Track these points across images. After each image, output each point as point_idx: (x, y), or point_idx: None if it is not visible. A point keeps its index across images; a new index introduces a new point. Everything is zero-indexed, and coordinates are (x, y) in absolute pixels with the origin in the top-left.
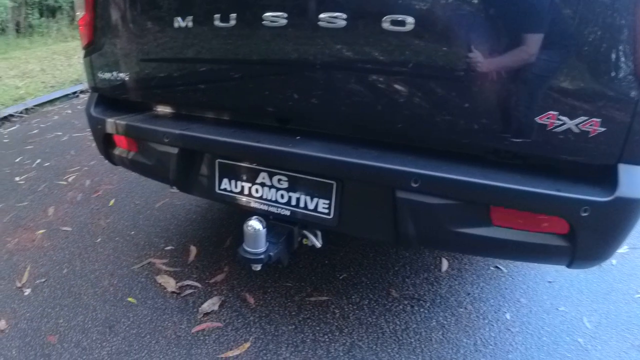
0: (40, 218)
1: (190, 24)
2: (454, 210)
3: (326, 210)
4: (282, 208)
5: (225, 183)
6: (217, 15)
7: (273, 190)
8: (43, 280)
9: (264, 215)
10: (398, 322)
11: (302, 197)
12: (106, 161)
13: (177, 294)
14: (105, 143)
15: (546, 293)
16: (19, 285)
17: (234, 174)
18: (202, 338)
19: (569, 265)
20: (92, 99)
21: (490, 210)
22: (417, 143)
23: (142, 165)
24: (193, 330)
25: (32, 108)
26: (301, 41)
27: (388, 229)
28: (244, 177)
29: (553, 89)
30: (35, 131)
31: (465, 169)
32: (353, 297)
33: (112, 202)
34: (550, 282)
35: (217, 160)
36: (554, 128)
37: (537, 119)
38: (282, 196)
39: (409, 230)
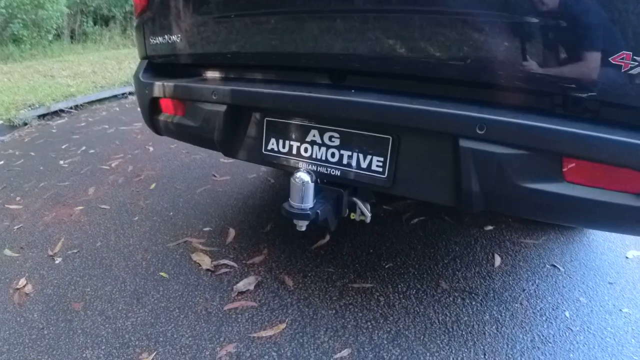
0: (80, 196)
1: None
2: (523, 161)
3: (380, 169)
4: (333, 168)
5: (272, 143)
6: None
7: (323, 148)
8: (75, 251)
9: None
10: (448, 314)
11: (355, 155)
12: (150, 149)
13: (211, 272)
14: (152, 109)
15: (607, 294)
16: (50, 253)
17: (282, 133)
18: (234, 316)
19: None
20: (141, 66)
21: (563, 162)
22: (480, 94)
23: (188, 128)
24: (225, 308)
25: (81, 105)
26: None
27: (449, 186)
28: (293, 136)
29: (624, 24)
30: (82, 124)
31: (534, 117)
32: (399, 286)
33: (153, 185)
34: (611, 283)
35: (266, 119)
36: (630, 70)
37: (611, 60)
38: (332, 155)
39: (472, 186)
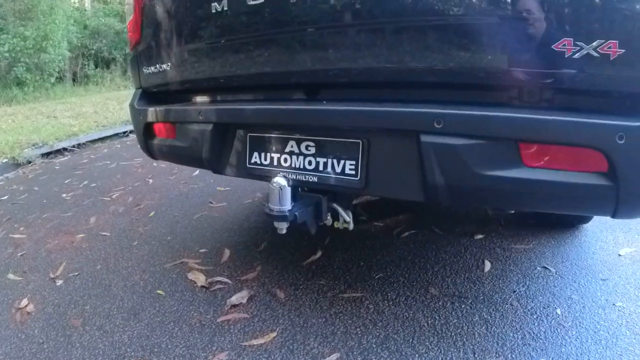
0: (81, 225)
1: (224, 7)
2: (482, 150)
3: (353, 172)
4: (310, 175)
5: (255, 157)
6: None
7: (301, 157)
8: (76, 273)
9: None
10: (437, 317)
11: (329, 161)
12: (150, 181)
13: (206, 288)
14: (146, 134)
15: (600, 290)
16: (52, 276)
17: (263, 146)
18: (226, 327)
19: (614, 214)
20: (136, 95)
21: (520, 148)
22: (437, 94)
23: (179, 149)
24: (218, 320)
25: (84, 143)
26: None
27: (415, 182)
28: (274, 148)
29: (562, 13)
30: (85, 161)
31: (488, 108)
32: (389, 294)
33: (152, 213)
34: (603, 279)
35: (248, 134)
36: (572, 55)
37: (554, 47)
38: (309, 162)
39: (436, 179)
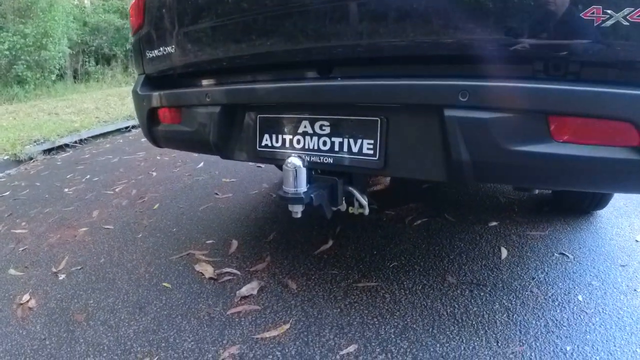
0: (84, 219)
1: None
2: (509, 124)
3: (371, 152)
4: (325, 156)
5: (266, 139)
6: None
7: (315, 138)
8: (79, 267)
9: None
10: (456, 306)
11: (345, 141)
12: (154, 174)
13: (214, 280)
14: (150, 120)
15: (620, 276)
16: (54, 271)
17: (275, 128)
18: (237, 319)
19: None
20: (139, 81)
21: (549, 121)
22: (461, 67)
23: (185, 134)
24: (228, 312)
25: (86, 139)
26: None
27: (439, 160)
28: (285, 129)
29: None
30: (87, 156)
31: (515, 80)
32: (405, 283)
33: (156, 206)
34: (623, 265)
35: (258, 116)
36: (601, 23)
37: (582, 16)
38: (324, 143)
39: (461, 156)
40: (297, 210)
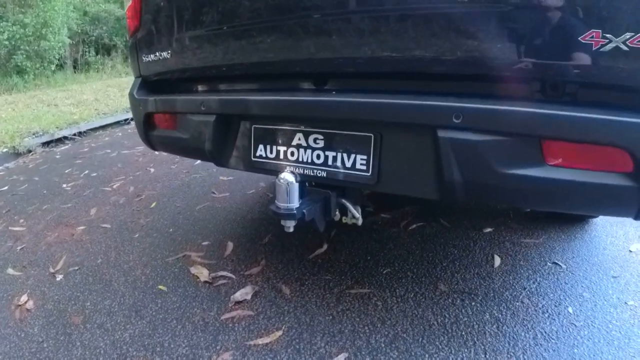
0: (82, 217)
1: None
2: (502, 147)
3: (364, 167)
4: (319, 169)
5: (260, 150)
6: None
7: (309, 151)
8: (76, 268)
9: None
10: (447, 315)
11: (339, 155)
12: (151, 170)
13: (209, 283)
14: (146, 124)
15: (611, 288)
16: (52, 271)
17: (269, 139)
18: (230, 325)
19: (636, 216)
20: (136, 84)
21: (542, 145)
22: (456, 86)
23: (180, 141)
24: (222, 318)
25: (85, 132)
26: None
27: (431, 179)
28: (280, 141)
29: (591, 4)
30: (86, 149)
31: (509, 103)
32: (397, 290)
33: (153, 204)
34: (615, 277)
35: (253, 126)
36: (600, 48)
37: (581, 39)
38: (318, 156)
39: (453, 176)
40: (290, 225)
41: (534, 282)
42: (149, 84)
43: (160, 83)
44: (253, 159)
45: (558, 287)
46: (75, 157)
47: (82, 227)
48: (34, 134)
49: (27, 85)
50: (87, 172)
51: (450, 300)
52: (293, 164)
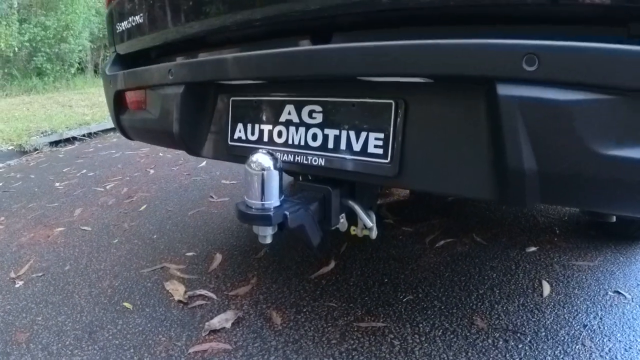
0: (64, 217)
1: None
2: (605, 112)
3: (380, 151)
4: (315, 155)
5: (239, 130)
6: None
7: (302, 129)
8: (40, 274)
9: (289, 171)
10: None
11: (343, 134)
12: (151, 172)
13: (184, 304)
14: (116, 105)
15: None
16: (12, 276)
17: (251, 115)
18: None
19: None
20: (110, 60)
21: None
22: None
23: (148, 123)
24: (190, 351)
25: (95, 133)
26: None
27: (483, 168)
28: (264, 117)
29: None
30: (90, 149)
31: (610, 41)
32: (421, 325)
33: (143, 207)
34: None
35: (231, 99)
36: None
37: None
38: (314, 137)
39: (523, 162)
40: (265, 233)
41: (595, 318)
42: (123, 58)
43: (135, 56)
44: (230, 142)
45: (626, 324)
46: (78, 156)
47: (60, 229)
48: (42, 133)
49: (47, 87)
50: (84, 171)
51: (490, 341)
52: (281, 149)
